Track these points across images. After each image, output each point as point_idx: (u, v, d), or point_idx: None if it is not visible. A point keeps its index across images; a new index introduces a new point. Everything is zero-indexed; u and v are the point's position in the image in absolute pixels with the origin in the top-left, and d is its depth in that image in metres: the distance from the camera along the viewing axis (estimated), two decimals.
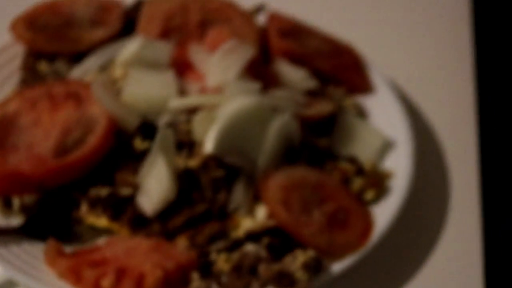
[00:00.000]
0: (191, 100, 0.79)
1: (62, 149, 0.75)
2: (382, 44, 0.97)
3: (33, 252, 0.73)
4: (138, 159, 0.76)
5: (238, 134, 0.76)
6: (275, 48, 0.87)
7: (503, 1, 1.37)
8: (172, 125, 0.77)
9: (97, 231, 0.76)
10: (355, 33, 0.96)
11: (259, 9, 0.92)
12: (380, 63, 0.92)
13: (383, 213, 0.77)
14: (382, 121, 0.86)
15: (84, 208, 0.75)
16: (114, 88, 0.80)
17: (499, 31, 1.24)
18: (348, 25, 0.98)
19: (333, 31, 0.94)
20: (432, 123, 0.92)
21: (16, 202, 0.76)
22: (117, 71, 0.82)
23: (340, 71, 0.89)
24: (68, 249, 0.73)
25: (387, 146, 0.83)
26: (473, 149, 0.90)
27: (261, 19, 0.92)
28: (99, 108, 0.77)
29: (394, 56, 0.98)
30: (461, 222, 0.82)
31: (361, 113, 0.88)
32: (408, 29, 1.06)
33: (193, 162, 0.75)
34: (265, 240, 0.73)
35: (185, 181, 0.75)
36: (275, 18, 0.90)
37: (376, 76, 0.90)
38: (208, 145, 0.75)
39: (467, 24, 1.06)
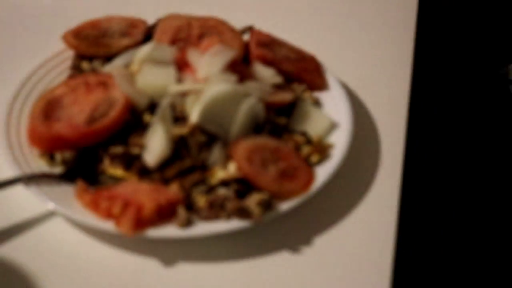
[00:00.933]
0: (185, 86, 0.89)
1: (91, 120, 0.86)
2: (335, 52, 1.08)
3: (69, 192, 0.82)
4: (145, 128, 0.86)
5: (216, 109, 0.85)
6: (252, 54, 0.98)
7: (445, 15, 1.45)
8: (171, 104, 0.87)
9: (115, 179, 0.85)
10: (317, 45, 1.06)
11: (247, 28, 1.03)
12: (333, 67, 1.02)
13: (323, 172, 0.86)
14: (332, 110, 0.96)
15: (106, 162, 0.85)
16: (132, 78, 0.91)
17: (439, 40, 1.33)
18: (313, 41, 1.08)
19: (301, 44, 1.04)
20: (370, 112, 1.02)
21: (58, 156, 0.86)
22: (135, 66, 0.93)
23: (303, 72, 0.98)
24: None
25: (332, 127, 0.93)
26: (401, 133, 0.99)
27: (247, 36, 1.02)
28: (119, 92, 0.88)
29: (345, 61, 1.08)
30: (383, 185, 0.91)
31: (317, 103, 0.97)
32: (357, 40, 1.16)
33: (184, 130, 0.85)
34: (233, 186, 0.82)
35: (177, 143, 0.85)
36: (255, 32, 1.01)
37: (330, 77, 0.99)
38: (193, 117, 0.85)
39: (411, 32, 1.15)
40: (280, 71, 0.97)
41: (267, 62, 0.97)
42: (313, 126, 0.92)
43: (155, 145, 0.84)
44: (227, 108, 0.86)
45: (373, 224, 0.86)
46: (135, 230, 0.76)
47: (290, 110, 0.93)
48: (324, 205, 0.88)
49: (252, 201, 0.80)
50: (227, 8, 1.05)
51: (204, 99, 0.86)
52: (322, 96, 0.99)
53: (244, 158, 0.83)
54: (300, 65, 1.00)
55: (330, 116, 0.94)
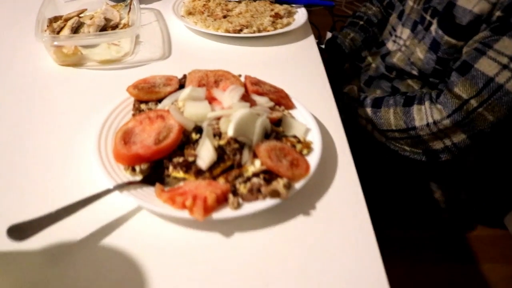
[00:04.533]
0: (218, 113, 0.67)
1: (157, 141, 0.63)
2: (297, 87, 0.84)
3: (149, 192, 0.60)
4: (194, 143, 0.65)
5: (242, 126, 0.65)
6: (249, 90, 0.77)
7: None
8: (209, 125, 0.66)
9: (178, 179, 0.63)
10: (282, 83, 0.83)
11: (240, 75, 0.80)
12: (295, 94, 0.80)
13: (312, 160, 0.66)
14: (302, 120, 0.76)
15: (170, 168, 0.62)
16: (180, 111, 0.68)
17: None
18: (279, 79, 0.85)
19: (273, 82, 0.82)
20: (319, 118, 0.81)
21: (137, 168, 0.63)
22: (180, 103, 0.70)
23: (280, 99, 0.78)
24: (165, 189, 0.61)
25: (307, 130, 0.73)
26: (341, 130, 0.79)
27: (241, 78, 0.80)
28: (174, 120, 0.65)
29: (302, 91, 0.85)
30: (344, 169, 0.70)
31: (292, 117, 0.76)
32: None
33: (223, 142, 0.63)
34: (261, 176, 0.61)
35: (219, 151, 0.63)
36: (247, 77, 0.80)
37: (294, 101, 0.79)
38: (229, 132, 0.64)
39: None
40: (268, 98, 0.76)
41: (259, 94, 0.77)
42: (297, 131, 0.72)
43: (205, 154, 0.63)
44: (249, 124, 0.66)
45: (345, 190, 0.67)
46: (204, 216, 0.56)
47: (279, 123, 0.73)
48: (316, 183, 0.67)
49: (280, 185, 0.60)
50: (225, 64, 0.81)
51: (234, 120, 0.65)
52: (293, 112, 0.78)
53: (266, 156, 0.63)
54: (278, 94, 0.80)
55: (302, 123, 0.74)
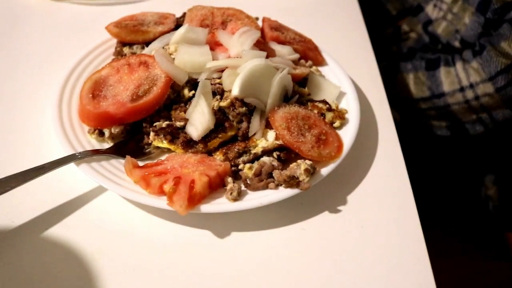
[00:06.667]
0: (221, 62, 0.50)
1: (135, 97, 0.47)
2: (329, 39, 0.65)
3: (118, 167, 0.45)
4: (186, 103, 0.49)
5: (253, 83, 0.47)
6: (267, 36, 0.60)
7: None
8: (208, 79, 0.49)
9: (161, 150, 0.48)
10: (312, 33, 0.65)
11: (257, 18, 0.62)
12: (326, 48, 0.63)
13: (347, 136, 0.49)
14: (334, 79, 0.58)
15: (151, 135, 0.46)
16: (170, 57, 0.50)
17: None
18: (308, 29, 0.66)
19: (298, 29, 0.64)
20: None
21: (106, 132, 0.47)
22: (172, 47, 0.53)
23: (307, 51, 0.61)
24: (141, 163, 0.45)
25: (341, 94, 0.55)
26: (383, 94, 0.62)
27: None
28: (160, 70, 0.48)
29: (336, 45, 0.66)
30: (387, 150, 0.53)
31: (322, 75, 0.58)
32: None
33: (224, 103, 0.46)
34: (275, 154, 0.45)
35: (219, 115, 0.47)
36: (266, 19, 0.62)
37: (326, 55, 0.62)
38: (234, 90, 0.46)
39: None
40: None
41: (280, 42, 0.59)
42: (328, 94, 0.55)
43: (198, 118, 0.46)
44: (262, 81, 0.48)
45: (389, 177, 0.50)
46: (188, 208, 0.40)
47: (304, 82, 0.55)
48: (348, 168, 0.50)
49: (299, 169, 0.43)
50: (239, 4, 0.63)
51: (242, 74, 0.47)
52: (323, 70, 0.60)
53: (284, 127, 0.46)
54: (305, 45, 0.62)
55: (335, 84, 0.57)
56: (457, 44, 0.88)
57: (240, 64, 0.48)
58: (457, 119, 0.83)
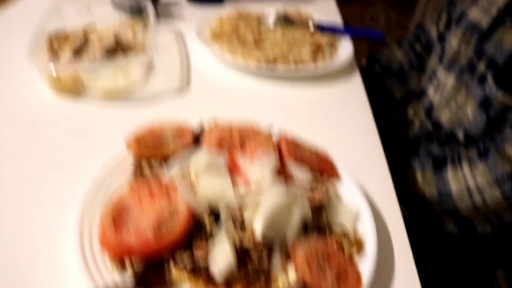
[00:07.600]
0: (242, 198, 0.51)
1: (158, 229, 0.47)
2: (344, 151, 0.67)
3: None
4: (207, 234, 0.49)
5: (274, 218, 0.49)
6: (285, 155, 0.61)
7: None
8: (229, 208, 0.50)
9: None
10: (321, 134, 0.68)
11: (271, 124, 0.66)
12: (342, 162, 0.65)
13: (365, 268, 0.49)
14: (349, 197, 0.60)
15: (173, 270, 0.46)
16: (192, 189, 0.52)
17: None
18: (317, 127, 0.69)
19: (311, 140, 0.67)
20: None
21: (127, 262, 0.47)
22: (192, 176, 0.54)
23: (322, 167, 0.62)
24: None
25: (357, 216, 0.56)
26: (398, 212, 0.63)
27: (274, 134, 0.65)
28: (182, 202, 0.50)
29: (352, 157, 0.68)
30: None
31: (336, 195, 0.60)
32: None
33: (248, 243, 0.48)
34: None
35: (242, 253, 0.47)
36: (283, 138, 0.64)
37: (341, 170, 0.63)
38: (257, 232, 0.47)
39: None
40: (307, 166, 0.61)
41: (297, 161, 0.60)
42: (344, 217, 0.55)
43: (221, 258, 0.46)
44: (283, 215, 0.49)
45: None
46: None
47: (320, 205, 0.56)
48: None
49: None
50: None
51: (264, 211, 0.48)
52: (337, 186, 0.61)
53: (305, 265, 0.47)
54: (321, 161, 0.63)
55: (350, 206, 0.57)
56: (461, 136, 0.89)
57: (260, 199, 0.49)
58: (466, 219, 0.84)
